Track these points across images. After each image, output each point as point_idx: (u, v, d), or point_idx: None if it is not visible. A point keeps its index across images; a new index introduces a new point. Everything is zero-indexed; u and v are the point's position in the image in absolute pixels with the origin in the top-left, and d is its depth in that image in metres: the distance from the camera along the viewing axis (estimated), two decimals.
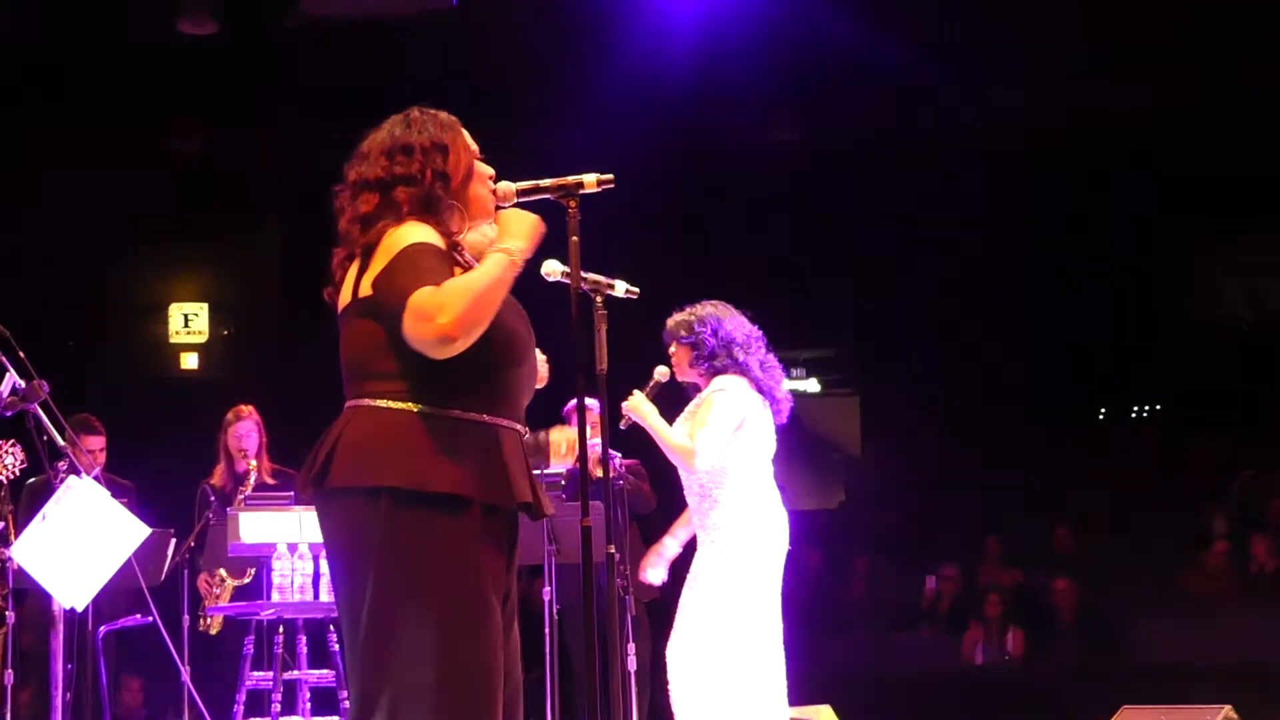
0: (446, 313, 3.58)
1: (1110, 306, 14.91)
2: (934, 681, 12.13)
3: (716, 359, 6.41)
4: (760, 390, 6.39)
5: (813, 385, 19.96)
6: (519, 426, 3.86)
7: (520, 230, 3.77)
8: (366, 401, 3.74)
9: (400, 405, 3.70)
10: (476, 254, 3.87)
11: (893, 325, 15.48)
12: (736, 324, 6.48)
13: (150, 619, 6.73)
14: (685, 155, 13.07)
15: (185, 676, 7.63)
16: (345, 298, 3.83)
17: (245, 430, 8.37)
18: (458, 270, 3.75)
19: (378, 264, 3.73)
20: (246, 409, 8.39)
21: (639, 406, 6.34)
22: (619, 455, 7.96)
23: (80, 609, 6.21)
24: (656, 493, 8.53)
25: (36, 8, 11.01)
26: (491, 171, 4.03)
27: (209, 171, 12.72)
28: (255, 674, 7.39)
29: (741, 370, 6.37)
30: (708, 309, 6.50)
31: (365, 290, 3.76)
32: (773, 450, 6.49)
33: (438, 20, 10.94)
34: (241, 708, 7.25)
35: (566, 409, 7.89)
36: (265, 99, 12.10)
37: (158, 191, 12.78)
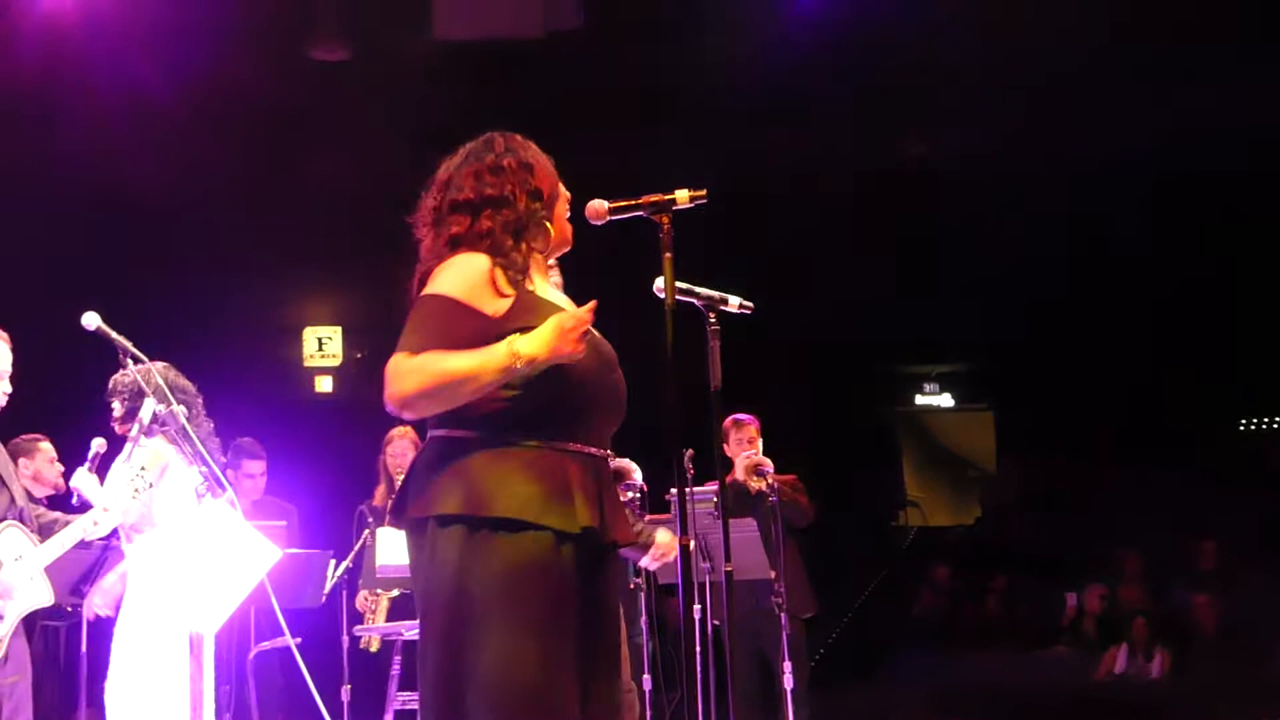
0: (407, 383, 3.65)
1: (1250, 316, 14.60)
2: (1073, 699, 11.95)
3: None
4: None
5: (946, 401, 19.84)
6: (594, 450, 3.84)
7: (543, 339, 3.67)
8: (441, 432, 3.79)
9: (463, 434, 3.74)
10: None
11: (1026, 339, 15.29)
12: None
13: (299, 640, 6.78)
14: (810, 168, 12.98)
15: (345, 696, 7.71)
16: None
17: (403, 450, 8.50)
18: (491, 301, 3.76)
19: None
20: (404, 429, 8.47)
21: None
22: (771, 470, 7.93)
23: (213, 633, 6.25)
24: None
25: (169, 32, 11.20)
26: (568, 195, 4.04)
27: (340, 195, 12.85)
28: (403, 695, 7.43)
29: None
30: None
31: None
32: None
33: (564, 40, 11.00)
34: None
35: (724, 424, 7.94)
36: (400, 122, 12.21)
37: (290, 214, 12.92)
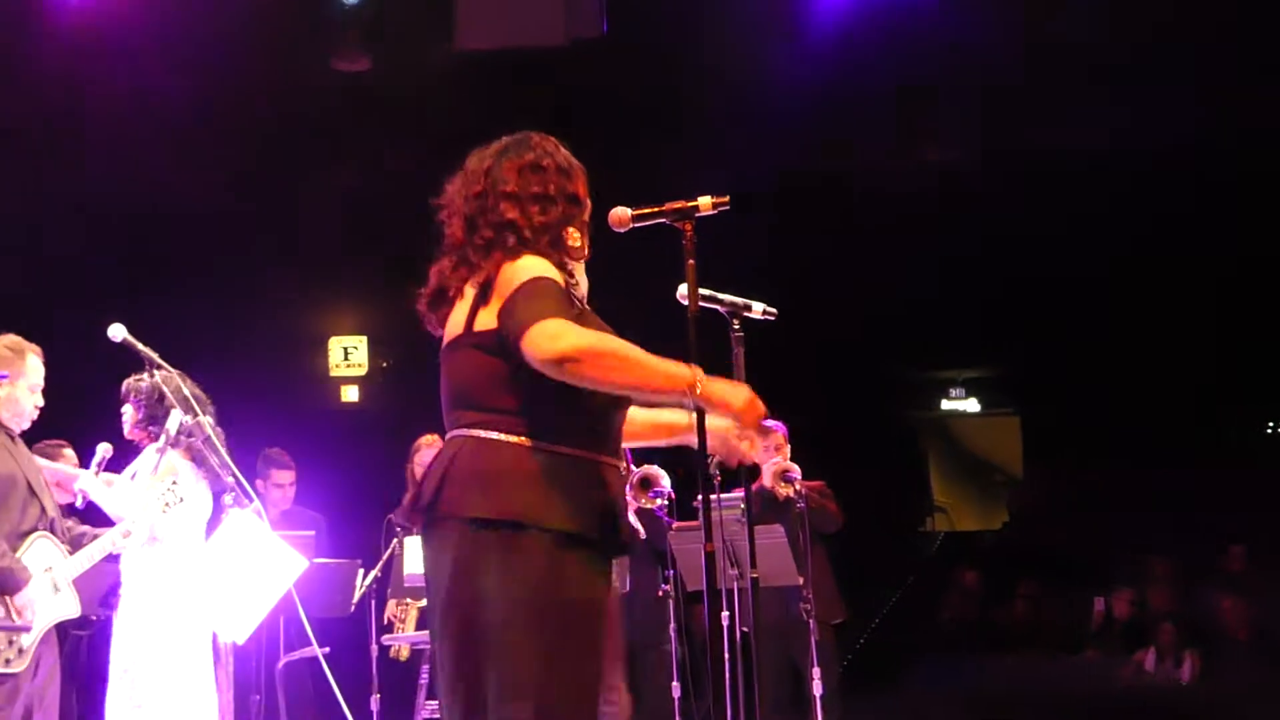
0: (578, 340, 3.59)
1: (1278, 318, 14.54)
2: (1102, 704, 11.90)
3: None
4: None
5: (973, 405, 19.80)
6: (621, 464, 3.87)
7: (735, 395, 3.70)
8: (478, 433, 3.74)
9: (513, 439, 3.70)
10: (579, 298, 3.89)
11: (1052, 344, 15.25)
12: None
13: (327, 650, 6.80)
14: (834, 173, 12.97)
15: (375, 705, 7.73)
16: (457, 328, 3.83)
17: (429, 459, 8.47)
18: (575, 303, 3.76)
19: (500, 297, 3.73)
20: (432, 437, 8.45)
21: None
22: (799, 476, 7.92)
23: (241, 642, 6.27)
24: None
25: (193, 42, 11.24)
26: (588, 205, 4.03)
27: (364, 205, 12.87)
28: (431, 703, 7.43)
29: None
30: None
31: (484, 324, 3.76)
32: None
33: (587, 48, 11.00)
34: None
35: None
36: (423, 132, 12.23)
37: (313, 225, 12.95)
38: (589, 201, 4.01)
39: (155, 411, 6.66)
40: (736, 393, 3.70)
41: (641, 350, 3.66)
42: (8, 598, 6.04)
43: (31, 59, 11.01)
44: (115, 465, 6.77)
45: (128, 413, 6.78)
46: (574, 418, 3.72)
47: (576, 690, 3.63)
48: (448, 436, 3.85)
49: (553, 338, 3.57)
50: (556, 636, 3.61)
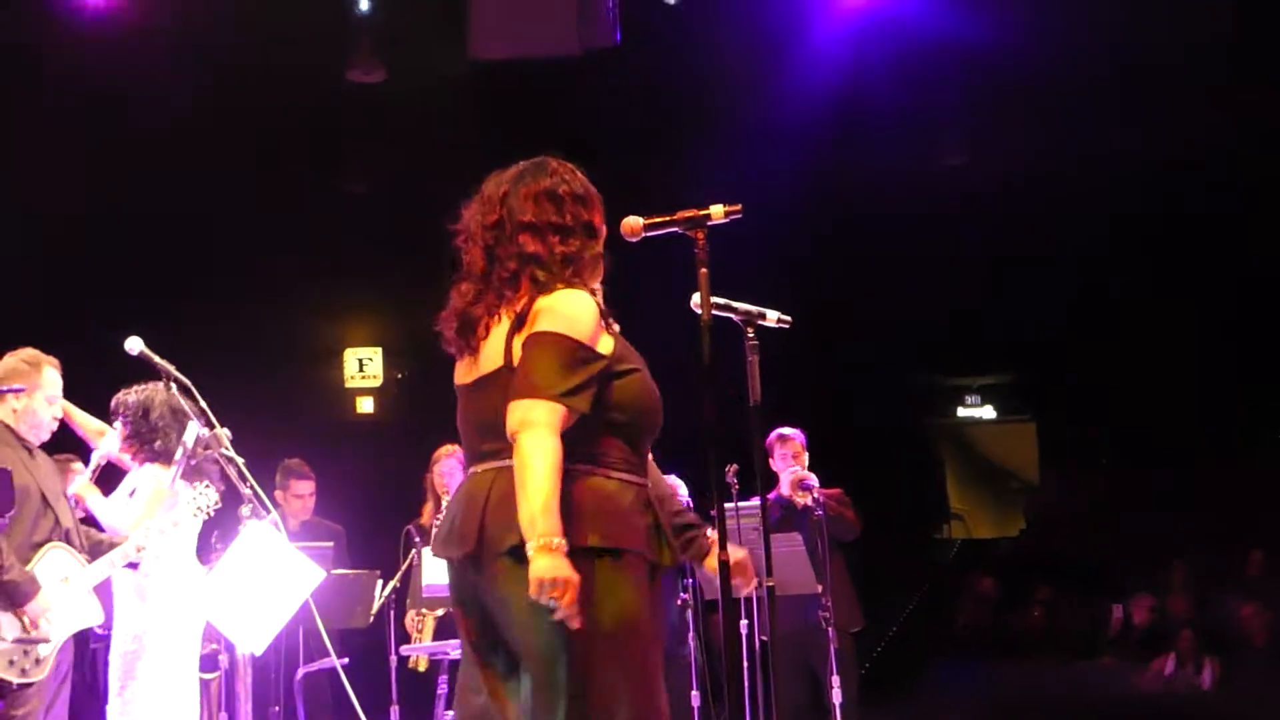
0: (529, 437, 3.58)
1: None
2: (1120, 710, 11.88)
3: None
4: None
5: (988, 413, 19.78)
6: (646, 483, 3.85)
7: (547, 570, 3.50)
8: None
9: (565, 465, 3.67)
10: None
11: (1066, 351, 15.22)
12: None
13: (346, 661, 6.80)
14: (847, 181, 12.97)
15: (394, 715, 7.73)
16: (495, 359, 3.80)
17: (450, 469, 8.51)
18: (604, 341, 3.75)
19: (533, 327, 3.72)
20: (451, 448, 8.47)
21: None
22: (817, 484, 7.92)
23: (259, 653, 6.27)
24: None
25: (209, 53, 11.27)
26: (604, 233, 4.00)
27: (378, 216, 12.89)
28: (449, 714, 7.43)
29: None
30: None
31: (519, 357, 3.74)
32: None
33: (601, 59, 11.01)
34: None
35: (769, 440, 7.98)
36: (435, 142, 12.25)
37: (328, 236, 12.97)
38: (604, 229, 3.96)
39: (140, 427, 6.69)
40: (555, 576, 3.50)
41: (546, 485, 3.54)
42: (21, 610, 6.06)
43: (50, 63, 11.04)
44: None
45: (117, 428, 6.81)
46: (613, 444, 3.73)
47: (654, 702, 3.67)
48: (478, 469, 3.81)
49: (522, 423, 3.59)
50: (634, 653, 3.65)
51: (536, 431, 3.58)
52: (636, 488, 3.77)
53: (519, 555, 3.58)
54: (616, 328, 3.86)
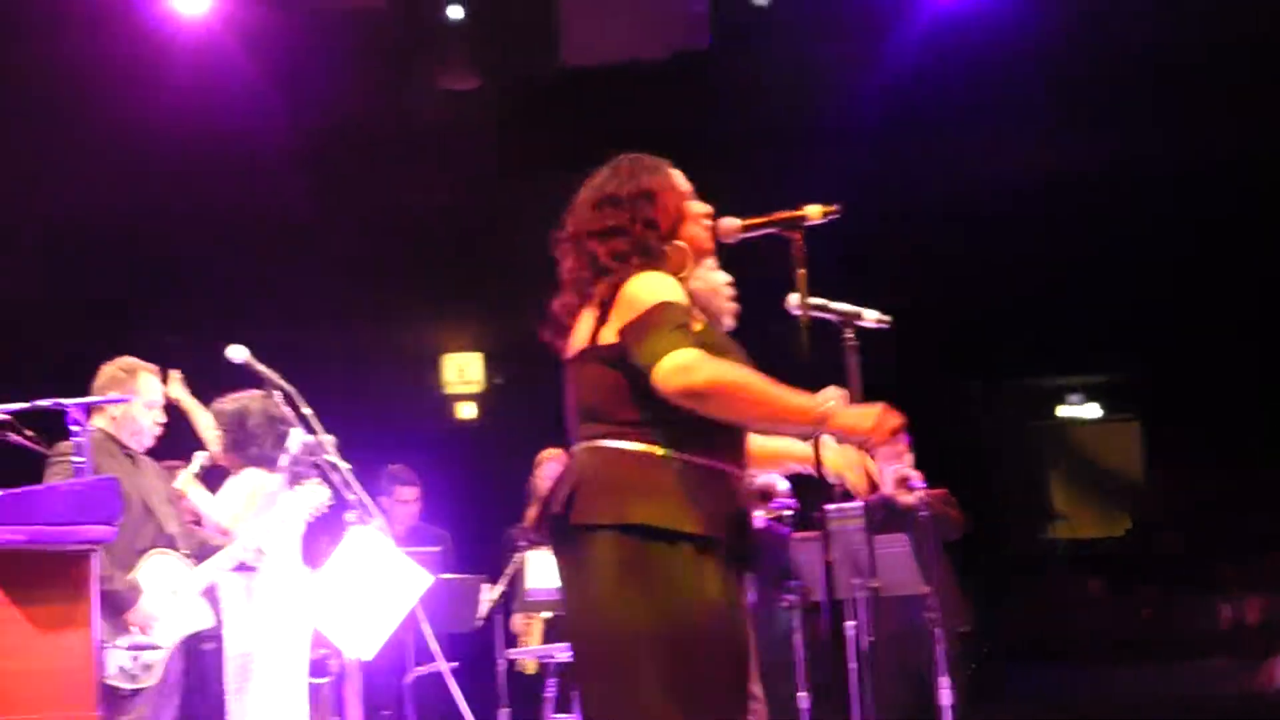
0: (709, 374, 3.60)
1: None
2: (1233, 711, 11.71)
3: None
4: None
5: (1093, 411, 19.58)
6: (745, 474, 3.87)
7: (863, 419, 3.61)
8: (607, 444, 3.75)
9: (644, 448, 3.71)
10: (703, 305, 3.89)
11: (1173, 348, 15.01)
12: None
13: (455, 664, 6.83)
14: (949, 181, 12.86)
15: (504, 718, 7.76)
16: (580, 343, 3.86)
17: (552, 472, 8.52)
18: (696, 319, 3.76)
19: (621, 314, 3.75)
20: (555, 451, 8.50)
21: None
22: (920, 483, 7.86)
23: (368, 659, 6.31)
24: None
25: (310, 62, 11.38)
26: (707, 209, 4.02)
27: (473, 222, 12.93)
28: (558, 717, 7.45)
29: None
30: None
31: (607, 339, 3.78)
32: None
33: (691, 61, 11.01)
34: None
35: None
36: (531, 147, 12.28)
37: (426, 243, 13.03)
38: (693, 211, 3.98)
39: (238, 435, 6.78)
40: (865, 417, 3.63)
41: (769, 384, 3.63)
42: (126, 616, 6.13)
43: (151, 72, 11.15)
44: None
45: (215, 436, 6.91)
46: (702, 428, 3.70)
47: (726, 693, 3.67)
48: (575, 449, 3.86)
49: (684, 371, 3.59)
50: (703, 640, 3.63)
51: (701, 366, 3.60)
52: (721, 472, 3.76)
53: (619, 531, 3.63)
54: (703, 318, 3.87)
